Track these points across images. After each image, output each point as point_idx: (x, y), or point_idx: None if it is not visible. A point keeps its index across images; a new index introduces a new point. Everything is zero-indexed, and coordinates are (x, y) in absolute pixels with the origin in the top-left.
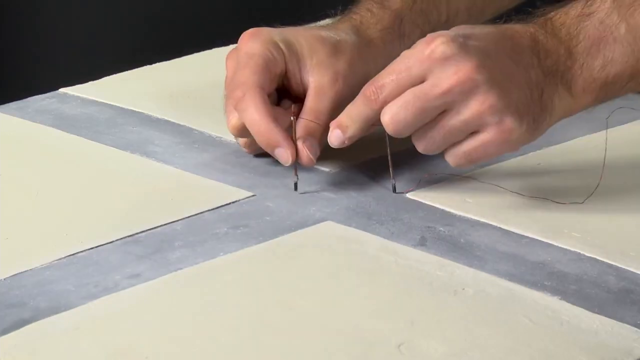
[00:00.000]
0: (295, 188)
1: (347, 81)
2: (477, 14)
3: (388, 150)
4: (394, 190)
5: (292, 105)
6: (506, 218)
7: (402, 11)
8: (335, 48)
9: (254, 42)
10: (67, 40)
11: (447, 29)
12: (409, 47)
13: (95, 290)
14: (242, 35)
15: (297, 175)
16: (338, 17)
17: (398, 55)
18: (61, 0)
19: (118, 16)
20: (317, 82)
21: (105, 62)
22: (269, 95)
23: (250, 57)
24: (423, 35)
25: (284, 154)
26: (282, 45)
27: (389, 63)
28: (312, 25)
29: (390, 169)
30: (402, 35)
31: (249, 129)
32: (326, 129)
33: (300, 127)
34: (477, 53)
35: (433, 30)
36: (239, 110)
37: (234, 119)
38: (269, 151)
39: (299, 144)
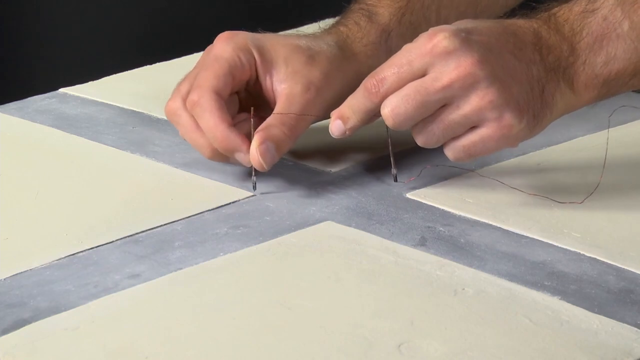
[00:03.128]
0: (254, 188)
1: (320, 92)
2: None
3: (389, 140)
4: (395, 179)
5: (252, 108)
6: (506, 218)
7: (389, 25)
8: (311, 58)
9: (227, 45)
10: (67, 40)
11: None
12: None
13: (95, 290)
14: (217, 36)
15: (255, 176)
16: (326, 27)
17: None
18: (61, 0)
19: (118, 16)
20: (289, 89)
21: (105, 62)
22: (238, 95)
23: (217, 60)
24: None
25: (244, 158)
26: (254, 51)
27: None
28: (297, 30)
29: (392, 159)
30: (388, 49)
31: (207, 135)
32: (291, 136)
33: (261, 130)
34: (479, 48)
35: None
36: (195, 114)
37: (175, 105)
38: (228, 155)
39: (253, 147)
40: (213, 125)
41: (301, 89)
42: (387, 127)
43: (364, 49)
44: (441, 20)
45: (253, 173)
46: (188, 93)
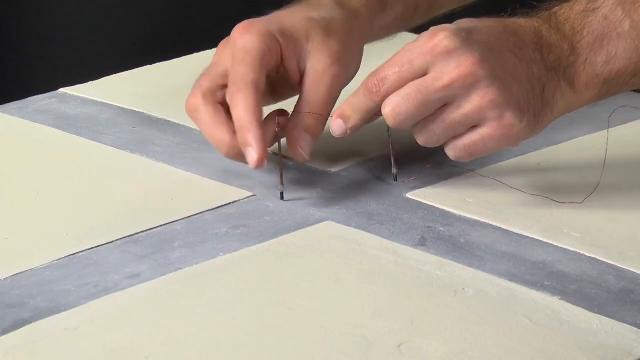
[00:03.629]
0: (282, 197)
1: (342, 62)
2: None
3: (390, 139)
4: (395, 179)
5: (277, 118)
6: (506, 218)
7: None
8: (327, 30)
9: (250, 35)
10: (67, 40)
11: (430, 4)
12: (392, 19)
13: (95, 290)
14: (235, 28)
15: (282, 185)
16: None
17: (381, 26)
18: (61, 0)
19: (118, 16)
20: (313, 68)
21: (105, 62)
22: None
23: (247, 52)
24: (406, 8)
25: (251, 155)
26: (278, 35)
27: (373, 34)
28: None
29: (392, 159)
30: (385, 5)
31: (235, 124)
32: (324, 119)
33: (296, 122)
34: (480, 47)
35: (415, 4)
36: (232, 105)
37: (195, 100)
38: (242, 148)
39: (292, 140)
40: (243, 115)
41: (325, 66)
42: (387, 126)
43: (365, 2)
44: None
45: (281, 182)
46: (209, 89)
